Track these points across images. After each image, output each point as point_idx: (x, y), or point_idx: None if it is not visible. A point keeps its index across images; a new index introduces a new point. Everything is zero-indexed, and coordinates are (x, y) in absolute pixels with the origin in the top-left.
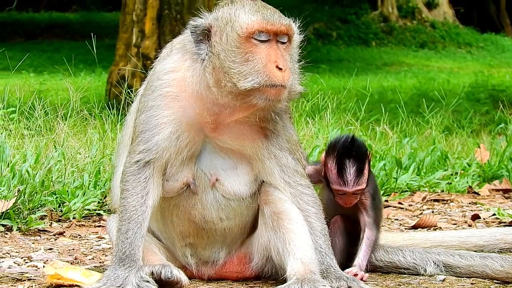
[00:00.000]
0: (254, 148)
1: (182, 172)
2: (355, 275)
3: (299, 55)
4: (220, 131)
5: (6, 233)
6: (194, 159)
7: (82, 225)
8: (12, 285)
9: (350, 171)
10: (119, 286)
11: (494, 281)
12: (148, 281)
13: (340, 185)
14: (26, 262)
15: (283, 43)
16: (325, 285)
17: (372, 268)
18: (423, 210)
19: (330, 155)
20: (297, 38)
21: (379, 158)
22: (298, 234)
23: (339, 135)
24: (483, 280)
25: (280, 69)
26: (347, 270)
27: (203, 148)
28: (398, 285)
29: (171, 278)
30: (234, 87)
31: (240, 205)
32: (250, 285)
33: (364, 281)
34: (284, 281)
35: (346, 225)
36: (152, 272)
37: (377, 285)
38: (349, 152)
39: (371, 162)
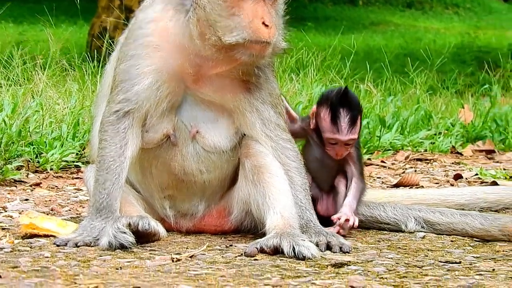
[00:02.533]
0: (236, 101)
1: (162, 123)
2: (347, 220)
3: (285, 12)
4: (201, 83)
5: None
6: (175, 111)
7: (60, 176)
8: None
9: (345, 119)
10: (95, 237)
11: (474, 239)
12: (125, 232)
13: (333, 133)
14: (1, 212)
15: None
16: (304, 240)
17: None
18: (406, 169)
19: (324, 104)
20: None
21: (362, 116)
22: (278, 188)
23: (332, 88)
24: (463, 237)
25: (266, 25)
26: (335, 215)
27: (184, 99)
28: (378, 241)
29: (149, 229)
30: (219, 41)
31: (220, 158)
32: (228, 238)
33: (354, 227)
34: (263, 235)
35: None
36: (130, 224)
37: (356, 241)
38: (343, 101)
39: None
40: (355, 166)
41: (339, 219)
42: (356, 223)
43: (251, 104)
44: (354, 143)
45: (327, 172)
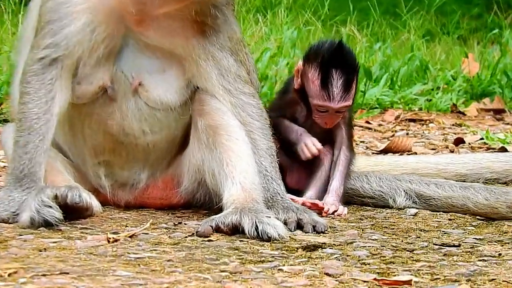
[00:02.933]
0: (188, 47)
1: (98, 74)
2: (335, 211)
3: None
4: (146, 25)
5: None
6: (113, 58)
7: None
8: None
9: (337, 83)
10: (14, 212)
11: (477, 217)
12: (50, 206)
13: (323, 100)
14: None
15: None
16: (269, 216)
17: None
18: (396, 131)
19: (312, 61)
20: None
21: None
22: (238, 153)
23: (321, 39)
24: (463, 215)
25: None
26: (321, 204)
27: (124, 44)
28: (360, 219)
29: (79, 203)
30: None
31: (168, 116)
32: (177, 214)
33: (342, 217)
34: (219, 210)
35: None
36: (56, 196)
37: (333, 218)
38: (337, 59)
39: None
40: (346, 131)
41: (326, 211)
42: (345, 212)
43: (206, 50)
44: (345, 110)
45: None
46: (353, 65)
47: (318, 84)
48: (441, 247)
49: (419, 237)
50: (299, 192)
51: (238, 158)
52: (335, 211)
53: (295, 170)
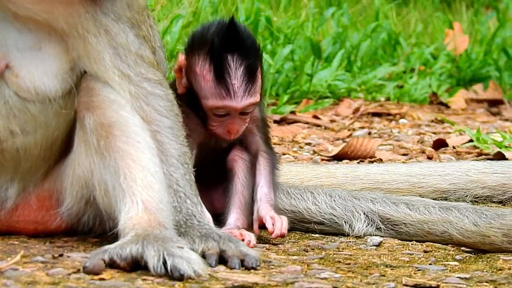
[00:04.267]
0: (72, 17)
1: None
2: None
3: None
4: None
5: None
6: None
7: None
8: None
9: (237, 73)
10: None
11: (462, 248)
12: None
13: (221, 98)
14: None
15: None
16: (182, 247)
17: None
18: (354, 130)
19: (198, 51)
20: None
21: (283, 41)
22: (140, 161)
23: (207, 21)
24: (444, 246)
25: None
26: (255, 218)
27: None
28: (304, 250)
29: None
30: None
31: (45, 111)
32: (57, 244)
33: (282, 233)
34: (114, 238)
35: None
36: None
37: (268, 249)
38: (231, 42)
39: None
40: (260, 132)
41: (263, 223)
42: (285, 225)
43: (96, 22)
44: (252, 109)
45: (212, 160)
46: (253, 47)
47: (211, 78)
48: None
49: (383, 276)
50: (216, 216)
51: (140, 168)
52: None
53: (203, 189)
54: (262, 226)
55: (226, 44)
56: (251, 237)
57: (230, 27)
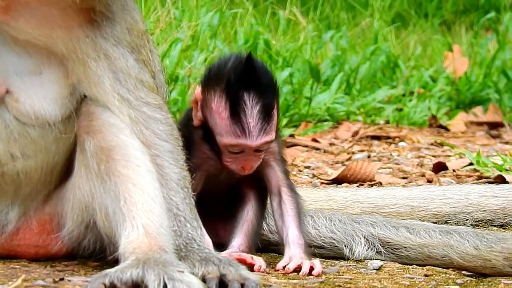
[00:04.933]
0: (71, 42)
1: None
2: (311, 269)
3: None
4: (13, 13)
5: None
6: None
7: None
8: None
9: (253, 112)
10: None
11: (463, 272)
12: None
13: (236, 137)
14: None
15: None
16: (182, 271)
17: (263, 245)
18: (353, 153)
19: (214, 87)
20: None
21: (281, 64)
22: (140, 185)
23: (224, 56)
24: (445, 270)
25: None
26: (282, 263)
27: None
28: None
29: None
30: None
31: (45, 135)
32: (58, 268)
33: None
34: (115, 262)
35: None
36: None
37: (268, 273)
38: (248, 80)
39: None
40: (280, 167)
41: (287, 268)
42: (319, 270)
43: (96, 46)
44: (267, 147)
45: (220, 191)
46: (270, 85)
47: (227, 116)
48: None
49: None
50: (220, 246)
51: (140, 192)
52: (312, 269)
53: (209, 220)
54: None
55: (242, 82)
56: (261, 262)
57: (247, 64)
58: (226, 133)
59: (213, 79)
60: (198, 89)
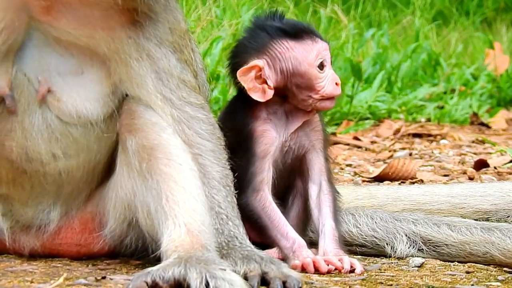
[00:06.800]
0: (113, 42)
1: None
2: (352, 269)
3: None
4: (56, 13)
5: None
6: (13, 57)
7: None
8: None
9: (302, 24)
10: None
11: (504, 269)
12: None
13: (312, 46)
14: None
15: None
16: (224, 269)
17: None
18: (395, 151)
19: (272, 40)
20: None
21: None
22: (182, 183)
23: (244, 29)
24: (486, 266)
25: None
26: (318, 257)
27: (28, 39)
28: (346, 272)
29: None
30: None
31: (87, 134)
32: (100, 266)
33: (356, 271)
34: (157, 260)
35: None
36: None
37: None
38: (290, 22)
39: None
40: (323, 151)
41: (327, 263)
42: (360, 269)
43: (139, 46)
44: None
45: (284, 172)
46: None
47: (293, 43)
48: None
49: None
50: (262, 246)
51: (182, 191)
52: (353, 269)
53: None
54: None
55: (290, 24)
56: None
57: (272, 12)
58: (303, 54)
59: (262, 37)
60: (255, 62)
